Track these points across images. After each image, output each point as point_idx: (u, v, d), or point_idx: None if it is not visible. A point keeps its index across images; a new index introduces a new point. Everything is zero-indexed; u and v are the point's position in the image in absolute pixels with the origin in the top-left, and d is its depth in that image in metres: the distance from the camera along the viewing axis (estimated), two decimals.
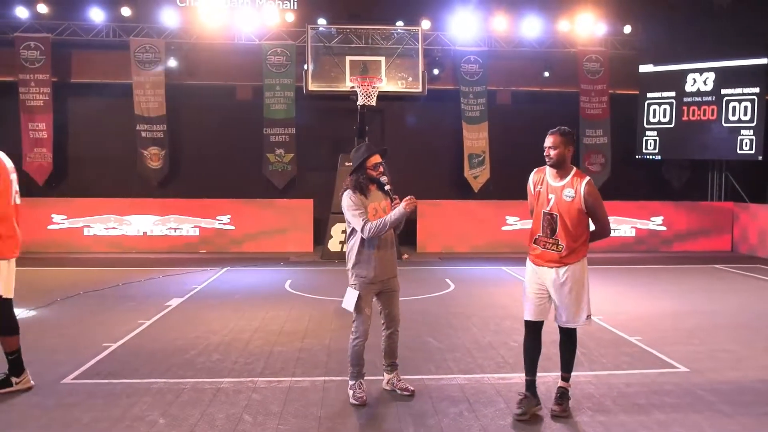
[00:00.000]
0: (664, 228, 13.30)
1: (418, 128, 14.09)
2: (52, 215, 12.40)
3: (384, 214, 4.41)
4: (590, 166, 13.97)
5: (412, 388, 4.63)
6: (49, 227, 12.38)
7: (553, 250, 4.14)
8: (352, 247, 4.47)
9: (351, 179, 4.50)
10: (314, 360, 5.42)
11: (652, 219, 13.29)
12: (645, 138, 13.85)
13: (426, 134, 14.17)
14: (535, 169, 4.33)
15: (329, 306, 7.56)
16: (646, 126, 13.81)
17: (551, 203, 4.13)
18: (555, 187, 4.14)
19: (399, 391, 4.61)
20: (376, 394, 4.61)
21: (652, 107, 13.76)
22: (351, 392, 4.45)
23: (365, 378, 4.56)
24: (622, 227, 13.10)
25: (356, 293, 4.41)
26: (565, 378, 4.32)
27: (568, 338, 4.30)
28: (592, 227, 4.21)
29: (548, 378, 4.78)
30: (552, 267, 4.14)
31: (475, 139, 13.89)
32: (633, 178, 14.30)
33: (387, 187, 4.44)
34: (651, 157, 13.89)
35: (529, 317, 4.26)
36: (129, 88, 13.22)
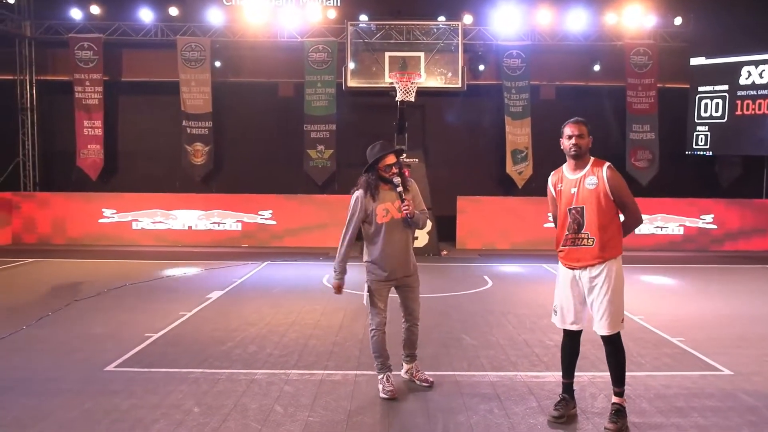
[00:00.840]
0: (714, 226, 12.84)
1: (459, 124, 13.98)
2: (103, 209, 12.87)
3: (396, 213, 4.45)
4: (637, 162, 13.61)
5: (432, 380, 4.65)
6: (100, 221, 12.85)
7: (584, 245, 3.91)
8: (363, 246, 4.60)
9: (363, 179, 4.53)
10: (347, 354, 5.47)
11: (701, 217, 12.85)
12: (696, 133, 13.39)
13: (467, 129, 14.06)
14: (552, 172, 4.19)
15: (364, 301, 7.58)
16: (697, 121, 13.35)
17: (575, 197, 3.94)
18: (575, 180, 3.97)
19: (418, 382, 4.65)
20: (404, 389, 4.62)
21: (703, 101, 13.29)
22: (380, 386, 4.48)
23: (393, 372, 4.59)
24: (670, 225, 12.71)
25: (367, 289, 4.55)
26: (618, 393, 3.94)
27: (614, 347, 3.92)
28: (621, 219, 3.99)
29: (582, 378, 4.69)
30: (585, 266, 3.90)
31: (518, 134, 13.71)
32: (682, 174, 13.84)
33: (398, 189, 4.44)
34: (702, 153, 13.42)
35: (562, 325, 4.08)
36: (176, 85, 13.59)
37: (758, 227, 12.82)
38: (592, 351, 5.41)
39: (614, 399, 3.97)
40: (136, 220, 12.90)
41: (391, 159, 4.44)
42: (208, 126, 13.67)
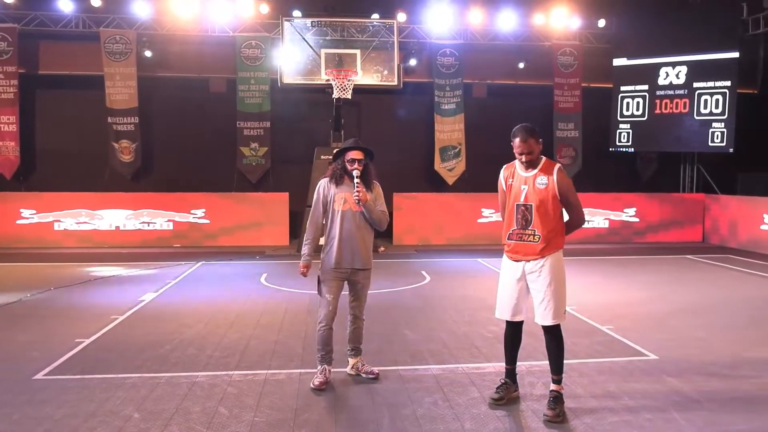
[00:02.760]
0: (637, 219, 13.58)
1: (395, 121, 14.15)
2: (21, 210, 12.21)
3: (354, 204, 4.65)
4: (561, 159, 14.17)
5: (377, 371, 4.77)
6: (18, 222, 12.19)
7: (530, 241, 4.10)
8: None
9: (331, 167, 4.79)
10: (290, 353, 5.45)
11: (625, 210, 13.55)
12: (618, 131, 14.09)
13: (402, 127, 14.24)
14: (504, 165, 4.34)
15: (305, 299, 7.58)
16: (620, 119, 14.04)
17: (524, 194, 4.12)
18: (527, 177, 4.14)
19: (364, 375, 4.76)
20: (350, 385, 4.67)
21: (625, 100, 14.00)
22: (314, 378, 4.63)
23: (338, 369, 4.67)
24: (596, 219, 13.34)
25: (317, 278, 4.68)
26: (557, 380, 4.15)
27: (553, 337, 4.14)
28: (566, 217, 4.23)
29: (521, 368, 4.88)
30: (530, 260, 4.10)
31: (450, 131, 13.99)
32: (606, 170, 14.55)
33: (356, 181, 4.63)
34: (624, 149, 14.14)
35: (504, 316, 4.25)
36: (100, 80, 13.04)
37: (676, 219, 13.66)
38: (529, 342, 5.59)
39: (552, 386, 4.17)
40: (59, 221, 12.32)
41: (357, 154, 4.65)
42: (134, 122, 13.19)
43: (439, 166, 13.98)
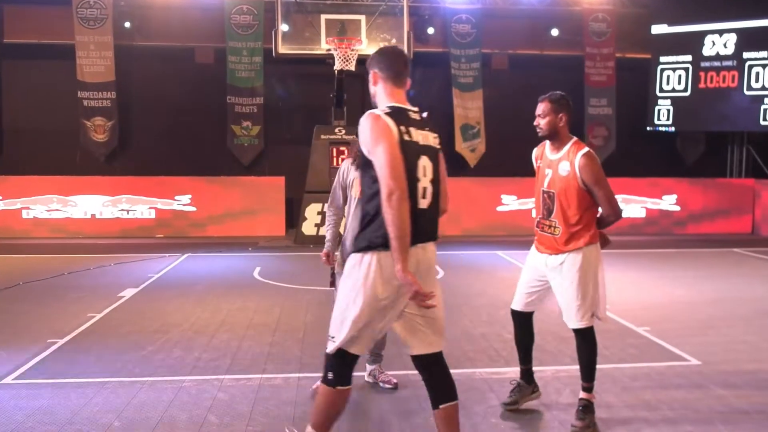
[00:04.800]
0: (677, 208, 13.53)
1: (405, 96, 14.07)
2: None
3: None
4: (593, 139, 14.11)
5: (395, 381, 4.77)
6: None
7: (549, 233, 4.10)
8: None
9: (355, 147, 4.70)
10: (286, 355, 5.49)
11: (664, 198, 13.51)
12: (657, 108, 14.02)
13: (413, 103, 14.09)
14: (540, 144, 4.32)
15: (303, 296, 7.62)
16: (659, 94, 13.97)
17: (547, 179, 4.11)
18: (552, 161, 4.12)
19: (381, 384, 4.77)
20: (358, 391, 4.70)
21: (665, 73, 13.91)
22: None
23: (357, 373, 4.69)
24: (631, 207, 13.30)
25: (331, 270, 4.71)
26: (587, 388, 4.12)
27: (584, 341, 4.13)
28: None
29: (545, 373, 4.90)
30: (551, 254, 4.10)
31: (469, 108, 13.95)
32: (642, 152, 14.47)
33: None
34: (664, 129, 14.07)
35: (514, 306, 4.30)
36: (71, 49, 13.05)
37: (722, 208, 13.60)
38: (553, 344, 5.66)
39: (582, 394, 4.17)
40: (27, 208, 12.39)
41: None
42: (111, 97, 13.22)
43: (461, 146, 13.93)
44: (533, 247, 4.30)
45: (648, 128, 14.13)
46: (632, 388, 4.78)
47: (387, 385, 4.75)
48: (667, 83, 13.90)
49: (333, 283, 4.73)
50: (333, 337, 3.15)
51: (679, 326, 6.45)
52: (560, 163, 4.06)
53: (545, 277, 4.18)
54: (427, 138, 3.23)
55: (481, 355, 5.52)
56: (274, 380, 4.90)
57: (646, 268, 9.67)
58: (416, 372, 5.01)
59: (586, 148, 4.05)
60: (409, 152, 3.08)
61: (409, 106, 3.30)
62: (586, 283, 4.04)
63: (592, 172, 3.96)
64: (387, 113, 3.18)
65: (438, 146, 3.30)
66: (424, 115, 3.30)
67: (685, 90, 13.73)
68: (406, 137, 3.11)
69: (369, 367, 4.87)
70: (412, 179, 3.06)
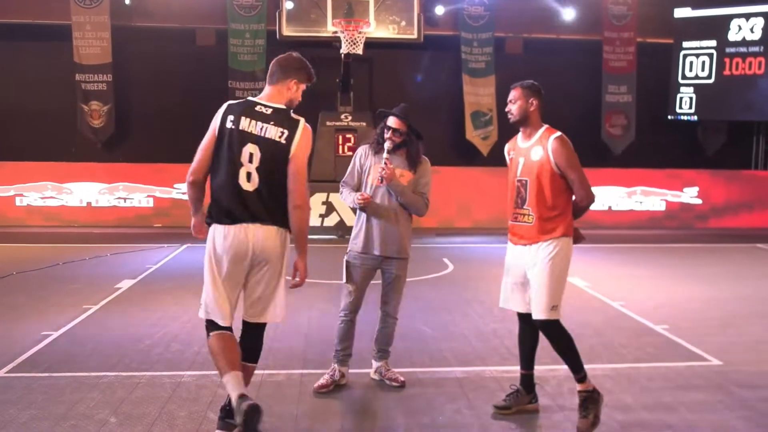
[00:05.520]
0: (699, 201, 13.47)
1: (413, 81, 14.04)
2: None
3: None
4: (611, 128, 14.01)
5: (402, 379, 4.78)
6: None
7: (523, 222, 4.13)
8: None
9: (375, 132, 4.86)
10: (289, 350, 5.51)
11: (685, 190, 13.44)
12: (679, 96, 13.92)
13: (422, 88, 14.14)
14: (512, 138, 4.40)
15: (307, 289, 7.56)
16: (681, 81, 13.87)
17: (520, 167, 4.16)
18: (523, 149, 4.19)
19: (388, 382, 4.77)
20: (364, 389, 4.72)
21: (688, 59, 13.81)
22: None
23: (348, 368, 4.76)
24: (651, 199, 13.23)
25: (344, 262, 4.74)
26: (579, 379, 4.10)
27: (547, 336, 4.14)
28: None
29: (558, 372, 4.90)
30: (525, 244, 4.12)
31: (480, 95, 13.89)
32: (663, 142, 14.37)
33: (385, 154, 4.62)
34: (686, 117, 13.97)
35: (518, 309, 4.28)
36: (67, 30, 13.04)
37: (746, 201, 13.53)
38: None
39: (578, 387, 4.14)
40: (21, 195, 12.46)
41: (395, 122, 4.64)
42: (107, 80, 13.20)
43: (471, 134, 13.88)
44: (509, 243, 4.30)
45: (669, 117, 14.03)
46: (650, 389, 4.77)
47: (394, 383, 4.75)
48: (690, 70, 13.79)
49: (344, 277, 4.78)
50: None
51: (699, 325, 6.43)
52: (532, 149, 4.13)
53: (522, 269, 4.18)
54: (266, 130, 3.74)
55: (492, 353, 5.53)
56: (276, 377, 4.92)
57: (664, 264, 9.64)
58: (424, 370, 5.08)
59: (559, 133, 4.13)
60: (233, 139, 3.72)
61: (263, 101, 3.89)
62: (556, 274, 4.06)
63: (564, 155, 4.04)
64: (229, 104, 3.94)
65: (281, 140, 3.74)
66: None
67: (709, 77, 13.62)
68: (230, 125, 3.75)
69: (375, 364, 4.87)
70: (234, 162, 3.70)
